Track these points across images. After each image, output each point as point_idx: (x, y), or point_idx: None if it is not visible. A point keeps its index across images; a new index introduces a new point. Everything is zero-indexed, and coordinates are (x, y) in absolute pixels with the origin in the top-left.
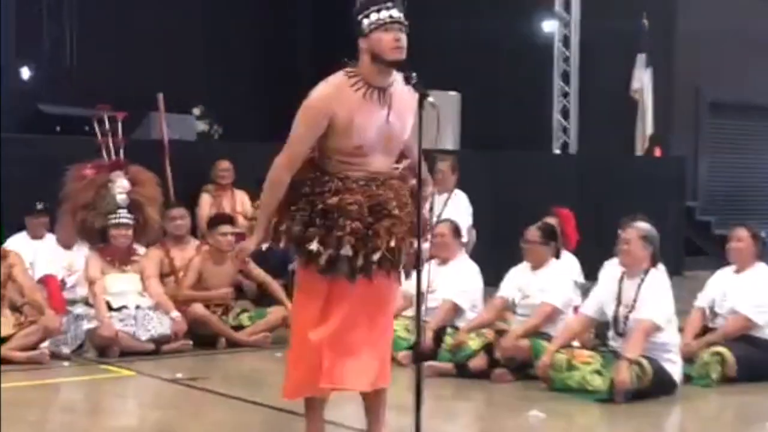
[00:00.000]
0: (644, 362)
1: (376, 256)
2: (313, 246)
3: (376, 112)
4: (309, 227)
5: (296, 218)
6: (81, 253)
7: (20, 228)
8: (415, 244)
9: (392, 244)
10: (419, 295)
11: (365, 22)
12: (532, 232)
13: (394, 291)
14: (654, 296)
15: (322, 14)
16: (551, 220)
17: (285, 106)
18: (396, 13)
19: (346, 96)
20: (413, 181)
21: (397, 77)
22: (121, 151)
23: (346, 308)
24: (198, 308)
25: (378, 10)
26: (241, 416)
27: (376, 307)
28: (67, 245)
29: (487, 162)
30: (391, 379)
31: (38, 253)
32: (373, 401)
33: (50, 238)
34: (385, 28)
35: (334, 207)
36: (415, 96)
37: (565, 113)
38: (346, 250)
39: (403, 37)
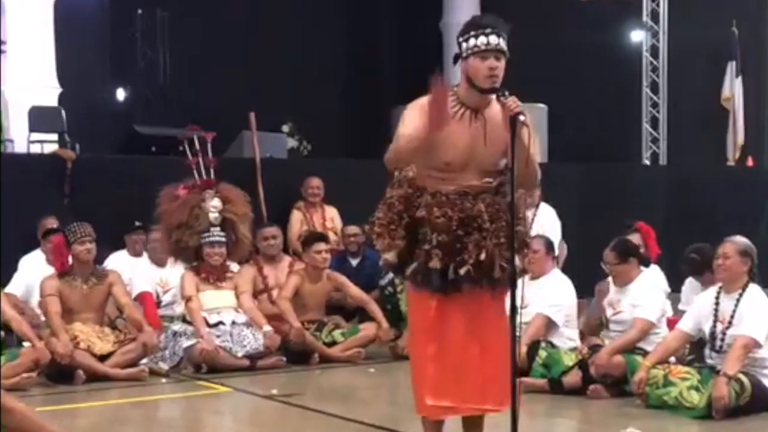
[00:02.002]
0: (743, 378)
1: (463, 270)
2: (390, 256)
3: (467, 132)
4: (401, 240)
5: (395, 236)
6: (174, 270)
7: (118, 247)
8: (516, 260)
9: (482, 257)
10: (513, 310)
11: (464, 45)
12: (608, 255)
13: (498, 307)
14: (753, 312)
15: (408, 30)
16: (635, 236)
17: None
18: (494, 39)
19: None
20: (509, 197)
21: (493, 98)
22: (212, 171)
23: (449, 323)
24: (296, 323)
25: (476, 36)
26: None
27: (478, 324)
28: (159, 263)
29: (576, 174)
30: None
31: (136, 271)
32: (473, 426)
33: (144, 257)
34: (482, 56)
35: (422, 220)
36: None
37: (654, 123)
38: (435, 263)
39: (500, 66)
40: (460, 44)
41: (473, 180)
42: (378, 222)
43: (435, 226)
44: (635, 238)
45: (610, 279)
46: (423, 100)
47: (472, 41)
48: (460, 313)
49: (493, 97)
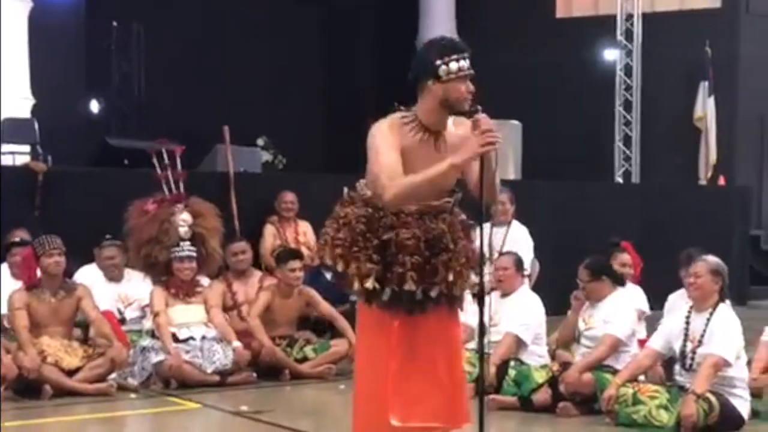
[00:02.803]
0: (712, 397)
1: (434, 292)
2: (369, 284)
3: (431, 157)
4: (370, 264)
5: (361, 258)
6: (131, 284)
7: (88, 260)
8: (471, 278)
9: (450, 278)
10: (482, 328)
11: (443, 68)
12: (582, 272)
13: (456, 325)
14: (723, 331)
15: (384, 47)
16: (623, 256)
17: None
18: (469, 63)
19: (405, 136)
20: (462, 216)
21: (449, 119)
22: (181, 185)
23: (411, 344)
24: (266, 341)
25: (458, 60)
26: None
27: (441, 342)
28: (115, 279)
29: (549, 191)
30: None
31: (94, 290)
32: None
33: (99, 275)
34: (463, 79)
35: (390, 242)
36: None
37: (627, 142)
38: (410, 285)
39: (472, 88)
40: (438, 66)
41: (433, 200)
42: (336, 243)
43: (405, 248)
44: (624, 258)
45: None
46: (382, 129)
47: (454, 65)
48: (422, 332)
49: (450, 118)
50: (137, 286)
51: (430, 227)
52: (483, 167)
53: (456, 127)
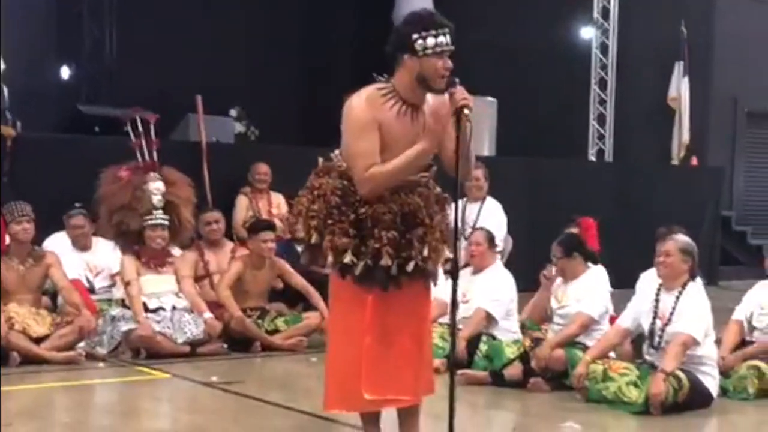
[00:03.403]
0: (681, 375)
1: (410, 267)
2: (347, 258)
3: (409, 129)
4: (346, 238)
5: (336, 231)
6: (99, 253)
7: (58, 228)
8: (447, 253)
9: (425, 252)
10: (454, 303)
11: (420, 43)
12: (554, 248)
13: (428, 299)
14: (692, 310)
15: (361, 21)
16: (573, 230)
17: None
18: (449, 39)
19: (382, 110)
20: (438, 189)
21: (428, 94)
22: (155, 153)
23: (384, 318)
24: (236, 312)
25: (436, 35)
26: (276, 421)
27: (413, 317)
28: (83, 248)
29: (523, 168)
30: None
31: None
32: (408, 416)
33: (68, 244)
34: (440, 56)
35: (366, 217)
36: (447, 107)
37: (601, 120)
38: (386, 260)
39: (450, 65)
40: (414, 40)
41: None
42: (311, 214)
43: (382, 223)
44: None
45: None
46: (356, 109)
47: (431, 40)
48: (395, 307)
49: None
50: (106, 255)
51: (406, 201)
52: (458, 144)
53: (434, 100)
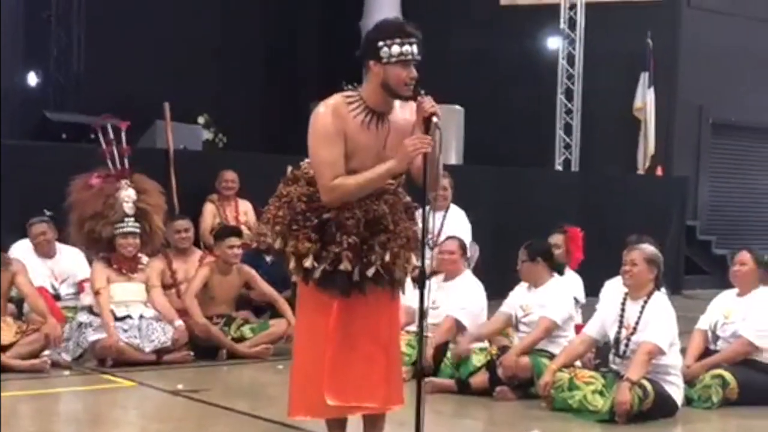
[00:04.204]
0: (646, 384)
1: (370, 272)
2: (308, 263)
3: (375, 138)
4: (309, 243)
5: (299, 237)
6: (63, 260)
7: (24, 235)
8: (412, 260)
9: (387, 258)
10: (422, 311)
11: (385, 50)
12: (520, 252)
13: (396, 307)
14: (657, 319)
15: (328, 29)
16: (558, 238)
17: (289, 117)
18: (416, 49)
19: (348, 119)
20: (407, 198)
21: (396, 102)
22: (126, 161)
23: (348, 324)
24: (200, 318)
25: (401, 44)
26: (242, 429)
27: (379, 324)
28: (46, 255)
29: (490, 177)
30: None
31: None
32: (373, 424)
33: (31, 252)
34: (404, 65)
35: (330, 222)
36: (414, 117)
37: (568, 130)
38: (345, 265)
39: (415, 74)
40: (379, 47)
41: None
42: (277, 220)
43: (345, 228)
44: (558, 239)
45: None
46: (321, 119)
47: (396, 48)
48: (360, 313)
49: (397, 101)
50: (70, 261)
51: (372, 208)
52: (426, 157)
53: (402, 109)
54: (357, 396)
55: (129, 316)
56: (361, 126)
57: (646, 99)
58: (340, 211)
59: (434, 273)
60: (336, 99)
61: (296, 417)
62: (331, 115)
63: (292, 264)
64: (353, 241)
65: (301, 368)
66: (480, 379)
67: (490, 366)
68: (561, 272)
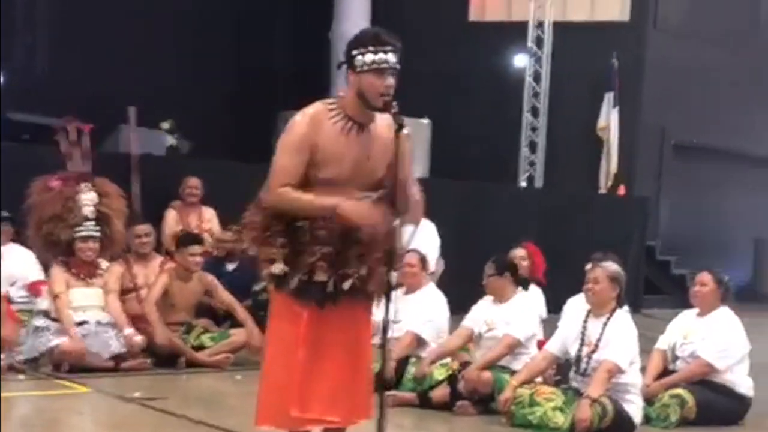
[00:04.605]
0: (606, 402)
1: (346, 285)
2: (277, 269)
3: (354, 148)
4: (281, 249)
5: (272, 243)
6: (12, 262)
7: None
8: (390, 274)
9: (363, 272)
10: (386, 324)
11: (359, 59)
12: (487, 266)
13: (369, 321)
14: (619, 338)
15: (298, 38)
16: (519, 252)
17: (256, 125)
18: (393, 58)
19: (325, 127)
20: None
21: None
22: (88, 163)
23: (319, 336)
24: (160, 326)
25: (376, 52)
26: None
27: (351, 338)
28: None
29: (455, 191)
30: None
31: None
32: None
33: None
34: (379, 73)
35: (304, 230)
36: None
37: (532, 147)
38: (320, 276)
39: (394, 83)
40: (354, 56)
41: (354, 193)
42: (252, 225)
43: (317, 238)
44: (519, 252)
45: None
46: (296, 126)
47: (370, 57)
48: (332, 325)
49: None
50: (21, 264)
51: None
52: (397, 161)
53: (382, 120)
54: (320, 409)
55: (86, 322)
56: (340, 133)
57: (610, 119)
58: (314, 221)
59: (398, 286)
60: (316, 107)
61: (262, 426)
62: (306, 125)
63: (265, 271)
64: (327, 251)
65: (269, 377)
66: (441, 393)
67: (452, 380)
68: (526, 287)
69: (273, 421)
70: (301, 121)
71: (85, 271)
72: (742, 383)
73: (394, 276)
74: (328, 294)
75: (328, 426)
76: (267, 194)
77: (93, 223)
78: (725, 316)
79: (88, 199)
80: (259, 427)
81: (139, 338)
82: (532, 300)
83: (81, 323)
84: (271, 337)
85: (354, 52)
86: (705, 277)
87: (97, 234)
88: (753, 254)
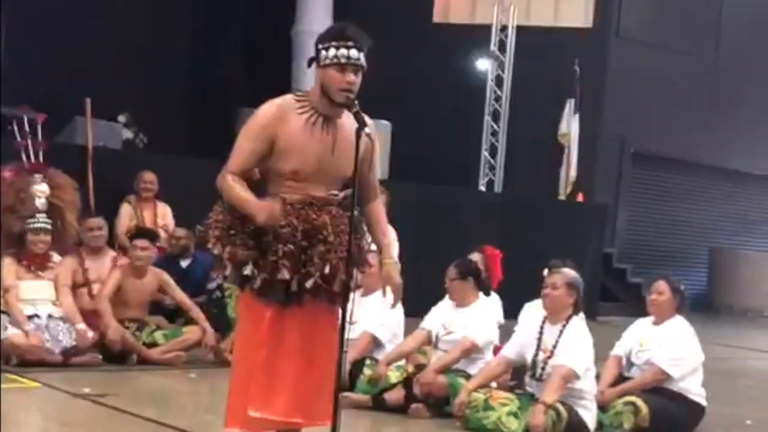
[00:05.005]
0: (560, 408)
1: (309, 283)
2: (247, 270)
3: (319, 140)
4: (246, 250)
5: (236, 243)
6: None
7: None
8: (354, 274)
9: (326, 271)
10: (343, 325)
11: (323, 53)
12: (450, 269)
13: (333, 321)
14: (574, 344)
15: (259, 35)
16: (476, 257)
17: (214, 121)
18: (355, 53)
19: (291, 118)
20: (356, 211)
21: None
22: (41, 155)
23: (281, 336)
24: (113, 322)
25: (338, 47)
26: None
27: (314, 338)
28: None
29: (414, 193)
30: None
31: None
32: None
33: None
34: (341, 68)
35: (266, 229)
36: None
37: (493, 151)
38: (282, 274)
39: (357, 80)
40: (319, 50)
41: (319, 191)
42: (216, 225)
43: (280, 236)
44: (475, 257)
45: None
46: (261, 113)
47: (332, 51)
48: (295, 325)
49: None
50: None
51: (311, 218)
52: (356, 161)
53: (348, 116)
54: (279, 410)
55: (36, 315)
56: (305, 125)
57: (570, 126)
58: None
59: (357, 287)
60: (285, 98)
61: (230, 428)
62: (271, 114)
63: (228, 270)
64: (289, 250)
65: (236, 378)
66: (396, 395)
67: (407, 383)
68: (487, 292)
69: (239, 424)
70: (267, 109)
71: (36, 264)
72: (696, 391)
73: (356, 276)
74: (291, 294)
75: (289, 427)
76: (221, 174)
77: (44, 215)
78: (680, 325)
79: (39, 190)
80: (227, 429)
81: (91, 334)
82: (492, 306)
83: (31, 317)
84: (239, 337)
85: (320, 46)
86: (661, 285)
87: (49, 226)
88: (708, 264)
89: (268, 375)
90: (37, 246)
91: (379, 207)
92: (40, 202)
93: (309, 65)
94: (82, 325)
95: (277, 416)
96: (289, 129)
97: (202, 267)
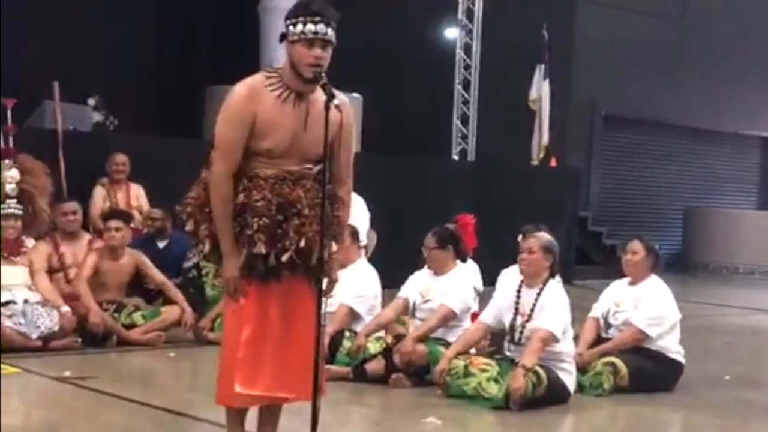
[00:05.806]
0: (540, 371)
1: (285, 257)
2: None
3: (292, 116)
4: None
5: (212, 220)
6: None
7: None
8: (331, 247)
9: (302, 244)
10: (320, 299)
11: (291, 29)
12: (429, 238)
13: (312, 298)
14: (552, 307)
15: (226, 11)
16: (450, 226)
17: (184, 100)
18: (322, 28)
19: (263, 96)
20: (330, 185)
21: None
22: (10, 140)
23: (263, 312)
24: (93, 305)
25: (305, 23)
26: (131, 418)
27: (294, 312)
28: None
29: (388, 165)
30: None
31: None
32: (269, 413)
33: None
34: (308, 43)
35: (244, 205)
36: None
37: (464, 120)
38: (259, 248)
39: (325, 55)
40: (287, 26)
41: (293, 165)
42: (192, 202)
43: (255, 210)
44: (452, 227)
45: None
46: (235, 96)
47: (299, 27)
48: (276, 300)
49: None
50: None
51: (285, 191)
52: (326, 134)
53: (321, 93)
54: (265, 385)
55: (12, 301)
56: (276, 101)
57: (541, 91)
58: (251, 193)
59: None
60: (255, 77)
61: (221, 405)
62: (245, 96)
63: (207, 247)
64: (264, 224)
65: (224, 355)
66: (376, 366)
67: (387, 353)
68: (464, 260)
69: (227, 400)
70: (240, 90)
71: (8, 250)
72: (674, 350)
73: (332, 247)
74: (270, 268)
75: (276, 402)
76: (214, 165)
77: (15, 200)
78: (656, 284)
79: (9, 176)
80: (219, 405)
81: (74, 316)
82: (469, 273)
83: (7, 303)
84: (226, 315)
85: (287, 22)
86: (636, 245)
87: (19, 212)
88: (682, 223)
89: (254, 351)
90: (8, 232)
91: (344, 195)
92: (10, 187)
93: (281, 41)
94: (66, 308)
95: (262, 392)
96: (263, 107)
97: (179, 247)
